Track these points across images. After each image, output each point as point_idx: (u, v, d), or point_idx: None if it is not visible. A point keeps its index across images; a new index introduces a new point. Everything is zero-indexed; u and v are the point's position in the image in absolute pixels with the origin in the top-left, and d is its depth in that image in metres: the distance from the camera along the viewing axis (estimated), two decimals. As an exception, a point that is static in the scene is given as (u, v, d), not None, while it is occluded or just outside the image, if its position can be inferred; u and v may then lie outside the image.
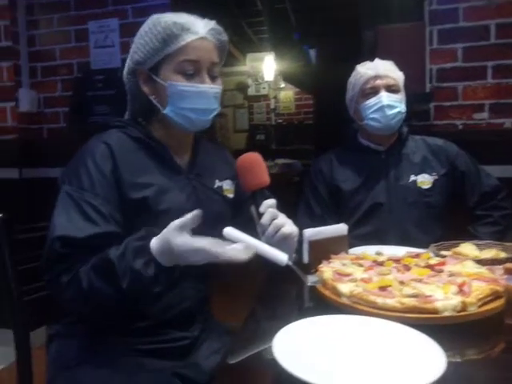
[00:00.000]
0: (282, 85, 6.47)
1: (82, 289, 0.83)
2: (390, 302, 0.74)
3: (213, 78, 1.01)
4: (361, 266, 0.93)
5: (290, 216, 0.98)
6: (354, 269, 0.91)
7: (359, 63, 1.56)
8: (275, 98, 6.57)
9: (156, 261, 0.80)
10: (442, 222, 1.55)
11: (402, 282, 0.80)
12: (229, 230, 0.87)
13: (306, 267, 1.09)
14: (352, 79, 1.54)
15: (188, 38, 0.96)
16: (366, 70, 1.49)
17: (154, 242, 0.81)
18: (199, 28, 0.97)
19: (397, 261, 0.95)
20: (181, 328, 1.01)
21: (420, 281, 0.82)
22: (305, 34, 4.21)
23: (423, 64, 2.04)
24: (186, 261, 0.78)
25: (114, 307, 0.86)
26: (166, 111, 0.99)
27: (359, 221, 1.51)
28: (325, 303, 0.86)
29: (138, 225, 0.93)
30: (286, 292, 1.09)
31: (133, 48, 1.02)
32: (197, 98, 0.98)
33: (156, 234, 0.82)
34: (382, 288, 0.78)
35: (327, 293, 0.84)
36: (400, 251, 1.11)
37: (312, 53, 4.69)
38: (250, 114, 6.65)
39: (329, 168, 1.59)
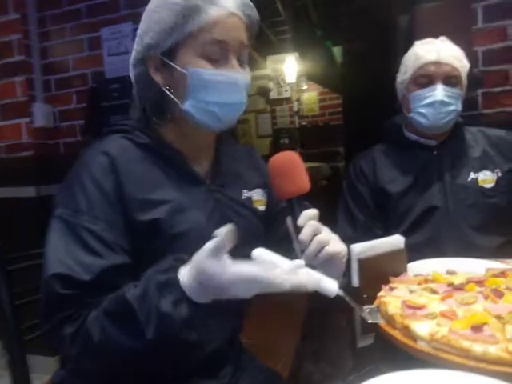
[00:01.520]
0: (305, 86, 6.25)
1: (92, 343, 0.65)
2: (494, 350, 0.52)
3: (241, 65, 0.82)
4: (434, 292, 0.71)
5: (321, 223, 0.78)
6: (426, 297, 0.69)
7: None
8: (298, 100, 6.36)
9: (188, 297, 0.61)
10: (508, 225, 1.32)
11: (499, 317, 0.59)
12: (260, 253, 0.69)
13: (356, 292, 0.89)
14: (407, 60, 1.31)
15: (215, 13, 0.75)
16: (426, 52, 1.25)
17: (184, 274, 0.62)
18: (228, 1, 0.77)
19: (479, 283, 0.73)
20: (207, 375, 0.82)
21: (525, 314, 0.60)
22: (328, 30, 4.01)
23: (469, 46, 1.80)
24: (230, 294, 0.59)
25: (135, 362, 0.68)
26: (186, 106, 0.79)
27: (411, 228, 1.29)
28: (386, 339, 0.66)
29: (149, 252, 0.75)
30: (333, 325, 0.89)
31: (141, 29, 0.82)
32: (226, 89, 0.79)
33: (185, 262, 0.63)
34: (476, 328, 0.57)
35: (396, 334, 0.63)
36: (473, 266, 0.89)
37: (336, 50, 4.48)
38: (273, 118, 6.47)
39: (371, 168, 1.38)
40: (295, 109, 6.35)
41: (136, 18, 2.31)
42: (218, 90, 0.78)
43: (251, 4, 0.81)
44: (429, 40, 1.29)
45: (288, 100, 6.34)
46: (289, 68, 5.88)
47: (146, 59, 0.82)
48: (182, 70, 0.78)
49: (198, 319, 0.62)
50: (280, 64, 5.96)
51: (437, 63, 1.23)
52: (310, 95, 6.32)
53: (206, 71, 0.77)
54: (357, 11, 3.08)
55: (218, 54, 0.78)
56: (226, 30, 0.77)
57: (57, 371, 0.89)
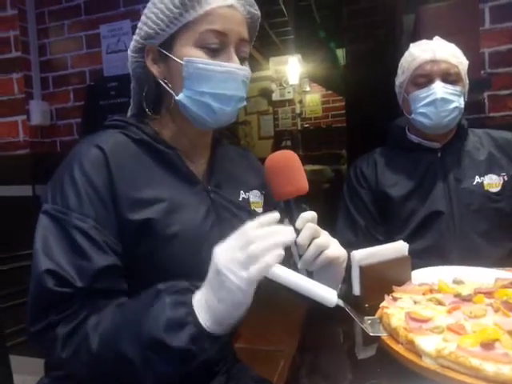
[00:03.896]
0: (308, 88, 6.21)
1: (88, 350, 0.61)
2: (508, 370, 0.47)
3: (241, 60, 0.79)
4: (440, 303, 0.66)
5: (322, 227, 0.74)
6: (432, 309, 0.64)
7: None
8: (301, 102, 6.31)
9: (196, 318, 0.57)
10: (515, 231, 1.27)
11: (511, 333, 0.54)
12: None
13: (357, 301, 0.84)
14: (403, 61, 1.28)
15: (214, 3, 0.74)
16: (421, 51, 1.22)
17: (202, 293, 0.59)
18: None
19: (488, 294, 0.68)
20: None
21: (539, 330, 0.55)
22: (331, 31, 3.97)
23: (476, 47, 1.75)
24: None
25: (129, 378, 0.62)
26: (181, 97, 0.76)
27: (414, 233, 1.24)
28: (389, 353, 0.61)
29: (141, 254, 0.72)
30: (331, 334, 0.84)
31: (142, 20, 0.80)
32: (222, 80, 0.75)
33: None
34: (487, 345, 0.52)
35: (400, 349, 0.58)
36: (481, 275, 0.84)
37: (339, 52, 4.44)
38: (275, 119, 6.43)
39: (373, 171, 1.33)
40: (297, 111, 6.31)
41: (135, 16, 2.27)
42: (213, 80, 0.75)
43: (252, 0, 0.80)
44: (424, 41, 1.27)
45: (290, 102, 6.31)
46: (291, 69, 5.85)
47: (145, 50, 0.80)
48: (178, 61, 0.76)
49: (202, 345, 0.57)
50: (283, 65, 5.92)
51: (433, 61, 1.20)
52: (313, 97, 6.27)
53: (202, 61, 0.75)
54: (361, 12, 3.04)
55: (215, 44, 0.75)
56: (224, 22, 0.75)
57: (40, 380, 0.85)
